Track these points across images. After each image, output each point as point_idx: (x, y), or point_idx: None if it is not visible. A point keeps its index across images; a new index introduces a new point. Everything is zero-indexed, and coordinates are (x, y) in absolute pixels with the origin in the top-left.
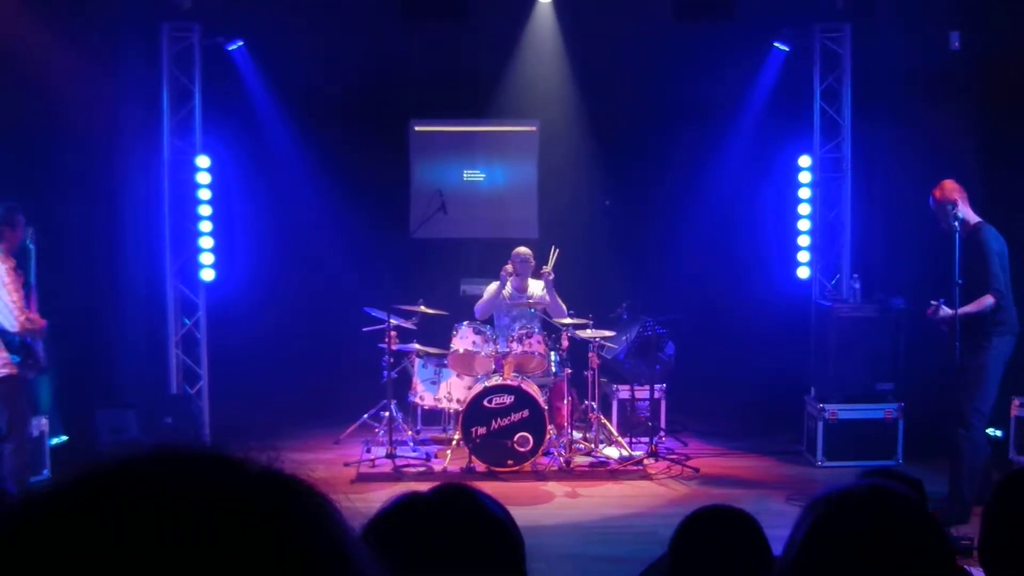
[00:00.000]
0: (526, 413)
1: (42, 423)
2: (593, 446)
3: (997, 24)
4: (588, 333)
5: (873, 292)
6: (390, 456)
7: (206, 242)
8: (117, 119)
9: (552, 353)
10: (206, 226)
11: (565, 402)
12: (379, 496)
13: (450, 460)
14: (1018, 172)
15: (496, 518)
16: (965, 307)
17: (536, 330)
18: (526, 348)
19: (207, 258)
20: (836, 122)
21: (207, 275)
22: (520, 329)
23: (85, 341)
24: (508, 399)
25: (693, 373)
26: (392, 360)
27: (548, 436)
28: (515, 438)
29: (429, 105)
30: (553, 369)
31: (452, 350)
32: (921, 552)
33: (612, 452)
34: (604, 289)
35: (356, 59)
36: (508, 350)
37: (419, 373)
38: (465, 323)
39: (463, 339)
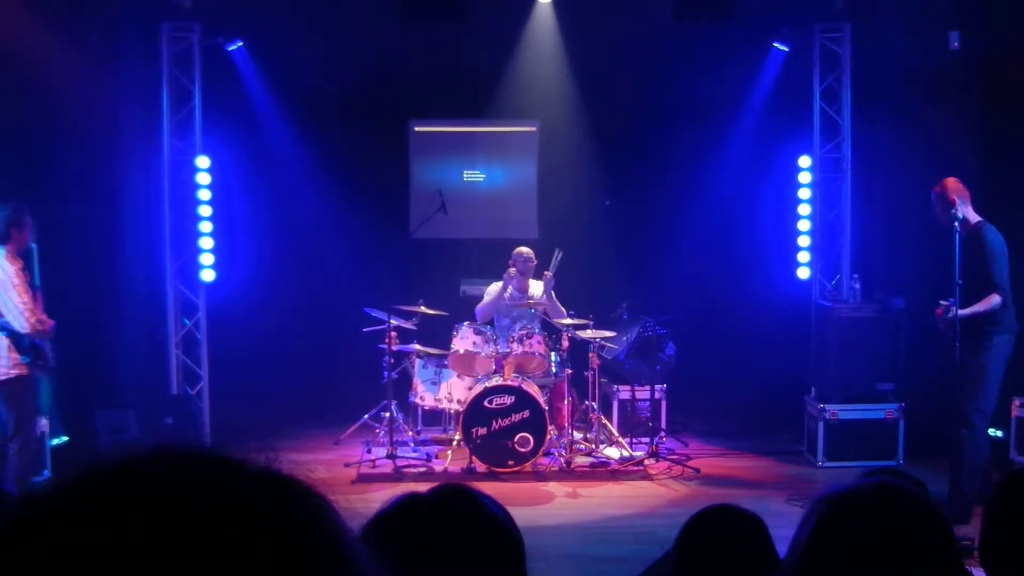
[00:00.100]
0: (527, 414)
1: (42, 423)
2: (594, 446)
3: (997, 24)
4: (588, 333)
5: (873, 292)
6: (391, 457)
7: (206, 242)
8: (117, 119)
9: (552, 353)
10: (206, 226)
11: (566, 402)
12: (380, 496)
13: (451, 461)
14: (1018, 172)
15: (496, 518)
16: (974, 306)
17: (536, 331)
18: (527, 348)
19: (207, 258)
20: (836, 122)
21: (207, 275)
22: (520, 330)
23: (85, 341)
24: (509, 400)
25: (694, 373)
26: (392, 360)
27: (549, 436)
28: (516, 438)
29: (429, 105)
30: (553, 369)
31: (452, 350)
32: (928, 551)
33: (613, 452)
34: (604, 289)
35: (356, 59)
36: (508, 351)
37: (419, 374)
38: (465, 323)
39: (463, 339)
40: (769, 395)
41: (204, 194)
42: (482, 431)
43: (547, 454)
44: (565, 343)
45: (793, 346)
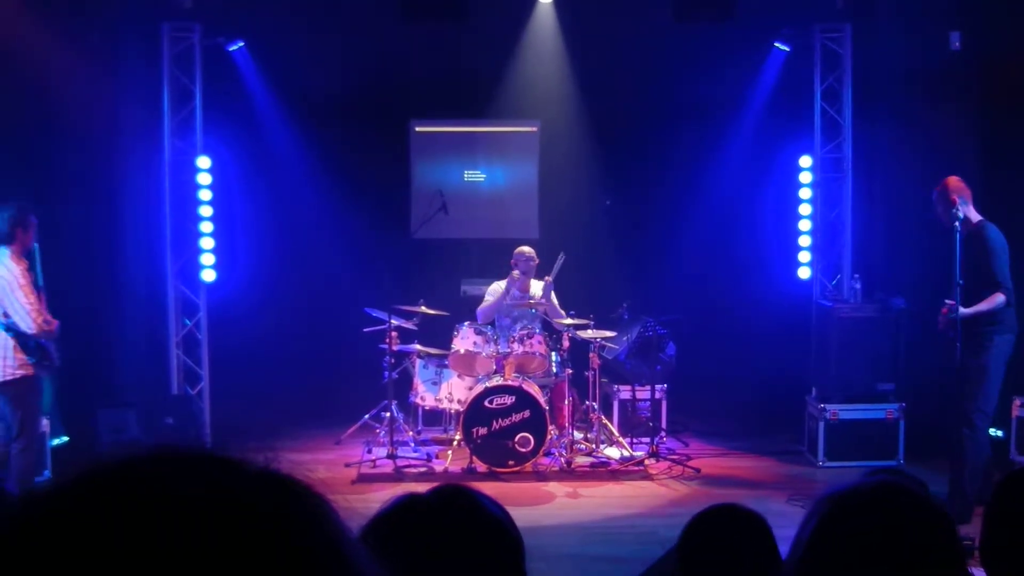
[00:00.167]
0: (527, 413)
1: (43, 423)
2: (594, 446)
3: (997, 24)
4: (589, 333)
5: (874, 292)
6: (391, 457)
7: (207, 243)
8: (118, 119)
9: (553, 353)
10: (207, 227)
11: (566, 402)
12: (380, 496)
13: (451, 461)
14: (1018, 172)
15: (495, 519)
16: (978, 305)
17: (537, 330)
18: (527, 348)
19: (208, 259)
20: (837, 122)
21: (208, 275)
22: (521, 330)
23: (86, 341)
24: (509, 400)
25: (694, 373)
26: (393, 360)
27: (549, 436)
28: (516, 438)
29: (429, 105)
30: (554, 369)
31: (453, 350)
32: (931, 550)
33: (613, 452)
34: (605, 289)
35: (356, 59)
36: (509, 350)
37: (420, 374)
38: (466, 323)
39: (464, 339)
40: (770, 395)
41: (205, 194)
42: (483, 431)
43: (548, 454)
44: (566, 343)
45: (794, 346)
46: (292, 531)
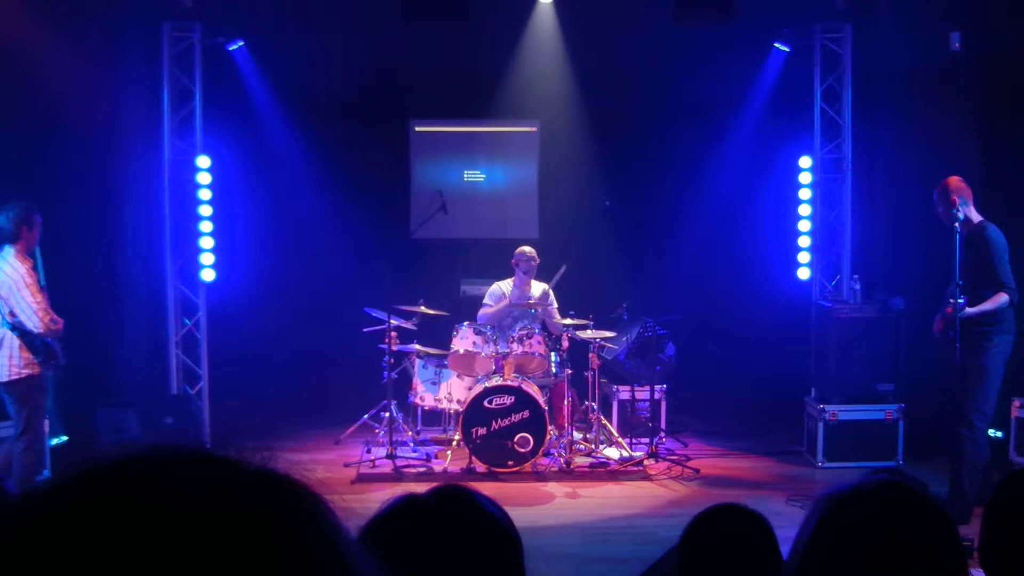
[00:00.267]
0: (526, 414)
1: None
2: (593, 447)
3: (997, 24)
4: (588, 334)
5: (873, 293)
6: (390, 457)
7: (206, 242)
8: (118, 119)
9: (552, 354)
10: (206, 226)
11: (565, 403)
12: (379, 497)
13: (450, 461)
14: (1018, 172)
15: (493, 519)
16: (982, 305)
17: (537, 331)
18: (526, 349)
19: (207, 258)
20: (836, 123)
21: (207, 275)
22: (521, 330)
23: (86, 341)
24: (508, 400)
25: (693, 374)
26: (392, 360)
27: (548, 437)
28: (515, 439)
29: (429, 105)
30: (553, 370)
31: (452, 351)
32: (932, 550)
33: (612, 453)
34: (604, 290)
35: (357, 59)
36: (508, 351)
37: (419, 374)
38: (465, 324)
39: (463, 340)
40: (769, 395)
41: (204, 194)
42: (482, 431)
43: (547, 454)
44: (565, 343)
45: (793, 347)
46: (288, 531)
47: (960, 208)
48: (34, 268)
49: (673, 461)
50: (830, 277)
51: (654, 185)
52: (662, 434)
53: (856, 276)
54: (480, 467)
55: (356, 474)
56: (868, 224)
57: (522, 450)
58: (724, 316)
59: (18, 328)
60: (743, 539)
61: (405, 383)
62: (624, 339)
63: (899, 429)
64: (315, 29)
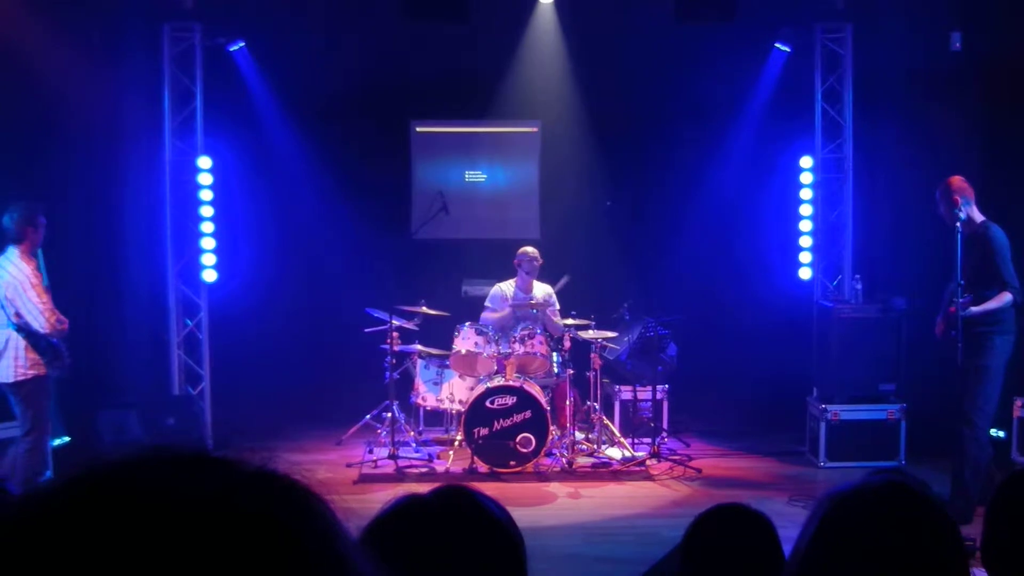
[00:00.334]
0: (528, 414)
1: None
2: (595, 447)
3: (997, 24)
4: (590, 334)
5: (875, 293)
6: (392, 457)
7: (208, 243)
8: (118, 120)
9: (554, 354)
10: (208, 227)
11: (567, 403)
12: (381, 497)
13: (452, 461)
14: (1018, 172)
15: (496, 519)
16: (985, 304)
17: (538, 331)
18: (528, 349)
19: (209, 259)
20: (837, 122)
21: (209, 276)
22: (522, 330)
23: (87, 342)
24: (510, 400)
25: (695, 374)
26: (394, 361)
27: (550, 437)
28: (517, 439)
29: (430, 106)
30: (555, 370)
31: (454, 351)
32: (933, 550)
33: (614, 453)
34: (606, 290)
35: (357, 60)
36: (510, 351)
37: (421, 374)
38: (467, 324)
39: (465, 340)
40: (771, 395)
41: (206, 194)
42: (484, 431)
43: (549, 454)
44: (567, 343)
45: (795, 347)
46: (287, 532)
47: (962, 208)
48: (38, 268)
49: (675, 461)
50: (831, 277)
51: (655, 185)
52: (664, 434)
53: (858, 276)
54: (482, 467)
55: (358, 474)
56: (869, 224)
57: (524, 450)
58: (726, 316)
59: (24, 329)
60: (745, 539)
61: (407, 383)
62: (626, 339)
63: (901, 429)
64: (316, 29)
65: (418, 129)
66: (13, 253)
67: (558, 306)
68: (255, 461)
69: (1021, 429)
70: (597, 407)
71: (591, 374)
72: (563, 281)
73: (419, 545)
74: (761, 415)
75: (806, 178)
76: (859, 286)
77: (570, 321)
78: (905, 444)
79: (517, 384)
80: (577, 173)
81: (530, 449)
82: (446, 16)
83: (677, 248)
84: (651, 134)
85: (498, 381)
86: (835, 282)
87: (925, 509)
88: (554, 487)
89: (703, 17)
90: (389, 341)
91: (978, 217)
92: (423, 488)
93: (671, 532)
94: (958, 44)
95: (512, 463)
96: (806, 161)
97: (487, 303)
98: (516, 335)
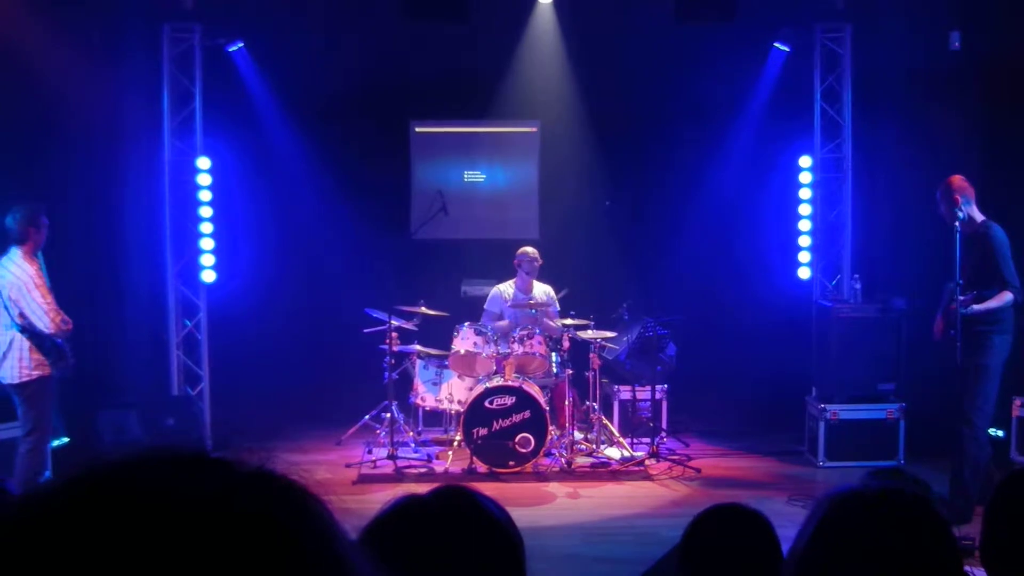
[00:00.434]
0: (527, 414)
1: None
2: (594, 447)
3: (997, 24)
4: (589, 334)
5: (874, 292)
6: (392, 457)
7: (207, 243)
8: (118, 120)
9: (553, 354)
10: (207, 227)
11: (566, 403)
12: (380, 497)
13: (452, 461)
14: (1018, 172)
15: (495, 519)
16: (987, 303)
17: (537, 331)
18: (527, 349)
19: (208, 259)
20: (837, 122)
21: (208, 276)
22: (521, 330)
23: (87, 342)
24: (509, 400)
25: (694, 374)
26: (393, 361)
27: (549, 437)
28: (516, 439)
29: (430, 106)
30: (554, 370)
31: (453, 351)
32: (928, 556)
33: (613, 453)
34: (605, 290)
35: (357, 60)
36: (509, 351)
37: (420, 374)
38: (466, 324)
39: (464, 340)
40: (770, 395)
41: (205, 195)
42: (483, 432)
43: (548, 454)
44: (566, 344)
45: (794, 346)
46: (285, 532)
47: (963, 207)
48: (41, 269)
49: (674, 461)
50: (831, 277)
51: (654, 185)
52: (663, 434)
53: (857, 276)
54: (481, 467)
55: (357, 475)
56: (869, 223)
57: (523, 450)
58: (725, 316)
59: (28, 330)
60: (744, 539)
61: (406, 384)
62: (625, 339)
63: (900, 428)
64: (315, 30)
65: (418, 129)
66: (16, 254)
67: (558, 307)
68: (254, 461)
69: (1020, 428)
70: (596, 407)
71: (590, 374)
72: (562, 294)
73: (418, 545)
74: (760, 415)
75: (805, 178)
76: (858, 286)
77: (569, 321)
78: (904, 444)
79: (516, 384)
80: (577, 173)
81: (529, 449)
82: (446, 16)
83: (676, 248)
84: (651, 134)
85: (497, 381)
86: (834, 282)
87: (922, 514)
88: (553, 487)
89: (703, 17)
90: (388, 341)
91: (978, 216)
92: (422, 488)
93: (670, 532)
94: (957, 44)
95: (511, 463)
96: (805, 161)
97: (486, 306)
98: (515, 335)
